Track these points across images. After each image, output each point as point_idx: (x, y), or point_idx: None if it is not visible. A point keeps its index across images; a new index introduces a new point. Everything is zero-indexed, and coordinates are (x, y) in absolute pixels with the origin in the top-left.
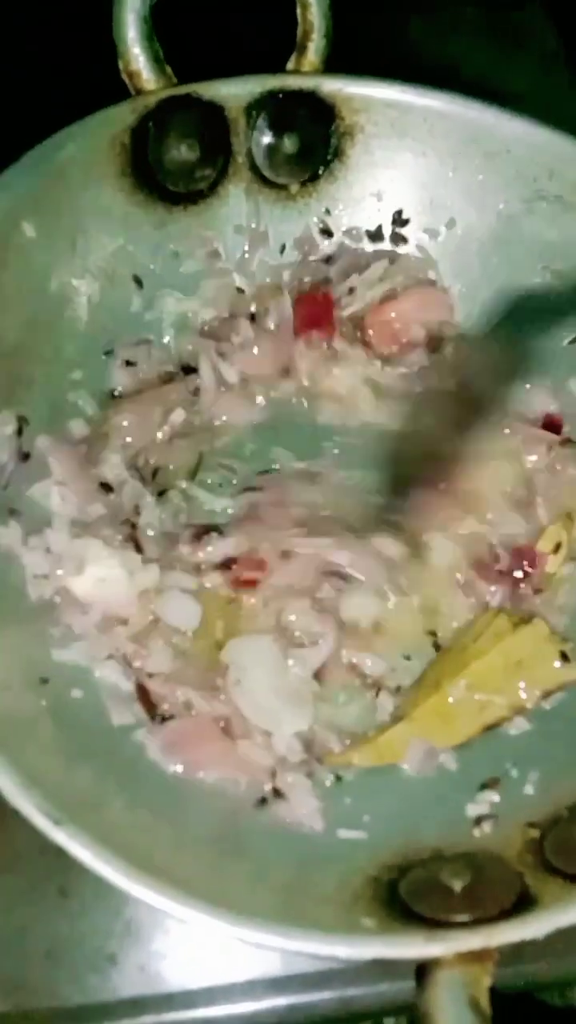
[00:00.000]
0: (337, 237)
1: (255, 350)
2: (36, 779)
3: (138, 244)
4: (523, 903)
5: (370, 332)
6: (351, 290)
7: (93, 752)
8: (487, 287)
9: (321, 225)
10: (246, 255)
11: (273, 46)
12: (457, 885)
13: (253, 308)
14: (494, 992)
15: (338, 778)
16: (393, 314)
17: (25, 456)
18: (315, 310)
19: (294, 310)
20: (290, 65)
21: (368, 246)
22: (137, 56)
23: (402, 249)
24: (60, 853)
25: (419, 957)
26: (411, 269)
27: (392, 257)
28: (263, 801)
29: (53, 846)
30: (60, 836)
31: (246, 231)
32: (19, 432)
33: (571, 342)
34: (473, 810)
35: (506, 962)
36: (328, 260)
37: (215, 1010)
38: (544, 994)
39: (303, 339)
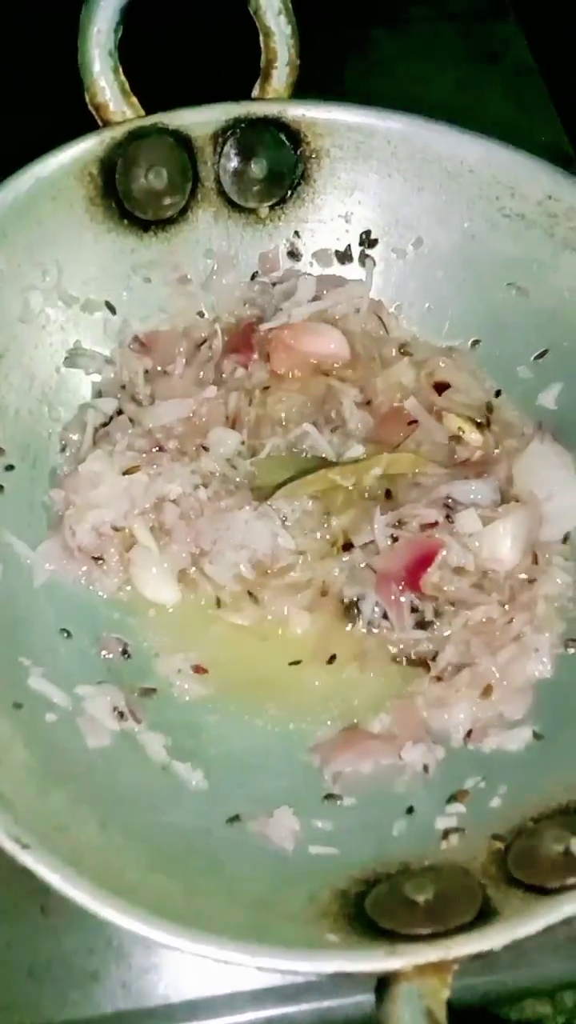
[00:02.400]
0: (305, 259)
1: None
2: (6, 803)
3: (109, 271)
4: (484, 915)
5: (271, 351)
6: (279, 310)
7: (67, 775)
8: (455, 303)
9: (290, 247)
10: (214, 278)
11: (238, 73)
12: (420, 899)
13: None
14: (452, 1007)
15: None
16: (292, 341)
17: None
18: (236, 339)
19: (224, 344)
20: (255, 92)
21: (338, 268)
22: (103, 89)
23: (354, 273)
24: None
25: (380, 970)
26: (351, 294)
27: (330, 280)
28: (236, 818)
29: None
30: (28, 859)
31: (216, 255)
32: None
33: (538, 356)
34: (442, 823)
35: (463, 975)
36: (275, 284)
37: None
38: (501, 1008)
39: (226, 369)
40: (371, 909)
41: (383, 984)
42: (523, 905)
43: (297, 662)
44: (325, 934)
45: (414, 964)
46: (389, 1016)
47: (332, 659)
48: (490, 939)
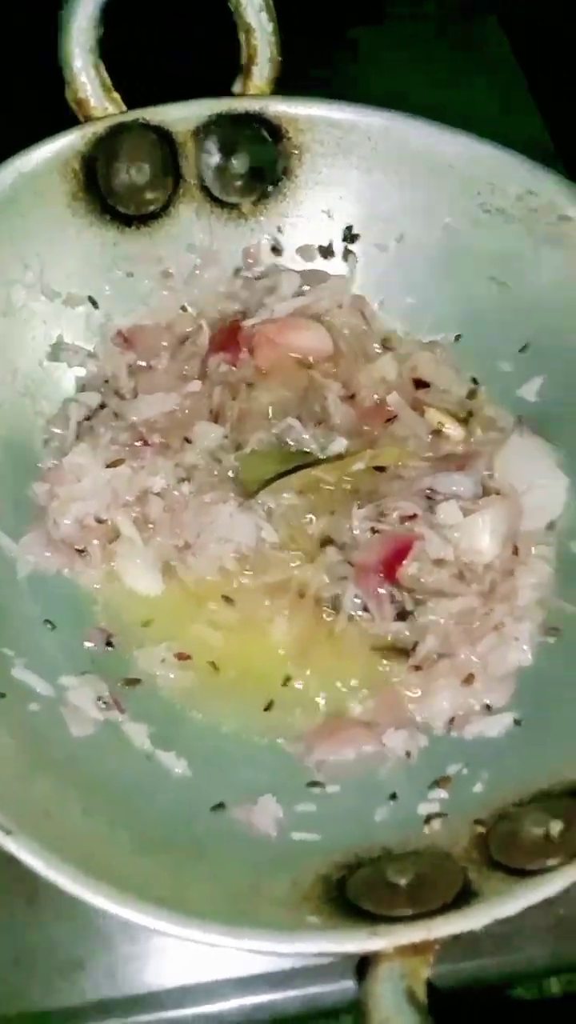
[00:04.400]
0: (288, 254)
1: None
2: None
3: (92, 265)
4: (464, 897)
5: (254, 346)
6: (262, 305)
7: (50, 763)
8: (437, 298)
9: (273, 242)
10: (196, 272)
11: (220, 70)
12: (402, 881)
13: (188, 328)
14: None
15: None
16: (275, 336)
17: None
18: (222, 336)
19: (210, 340)
20: (236, 88)
21: (321, 263)
22: (84, 84)
23: (333, 269)
24: None
25: (361, 951)
26: (334, 289)
27: (313, 276)
28: (220, 806)
29: None
30: (11, 845)
31: (198, 250)
32: None
33: (520, 350)
34: (424, 808)
35: (447, 961)
36: (258, 279)
37: (182, 1011)
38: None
39: (211, 364)
40: (353, 892)
41: (365, 965)
42: (504, 886)
43: (279, 653)
44: (307, 916)
45: (395, 945)
46: (370, 995)
47: (313, 650)
48: (471, 919)
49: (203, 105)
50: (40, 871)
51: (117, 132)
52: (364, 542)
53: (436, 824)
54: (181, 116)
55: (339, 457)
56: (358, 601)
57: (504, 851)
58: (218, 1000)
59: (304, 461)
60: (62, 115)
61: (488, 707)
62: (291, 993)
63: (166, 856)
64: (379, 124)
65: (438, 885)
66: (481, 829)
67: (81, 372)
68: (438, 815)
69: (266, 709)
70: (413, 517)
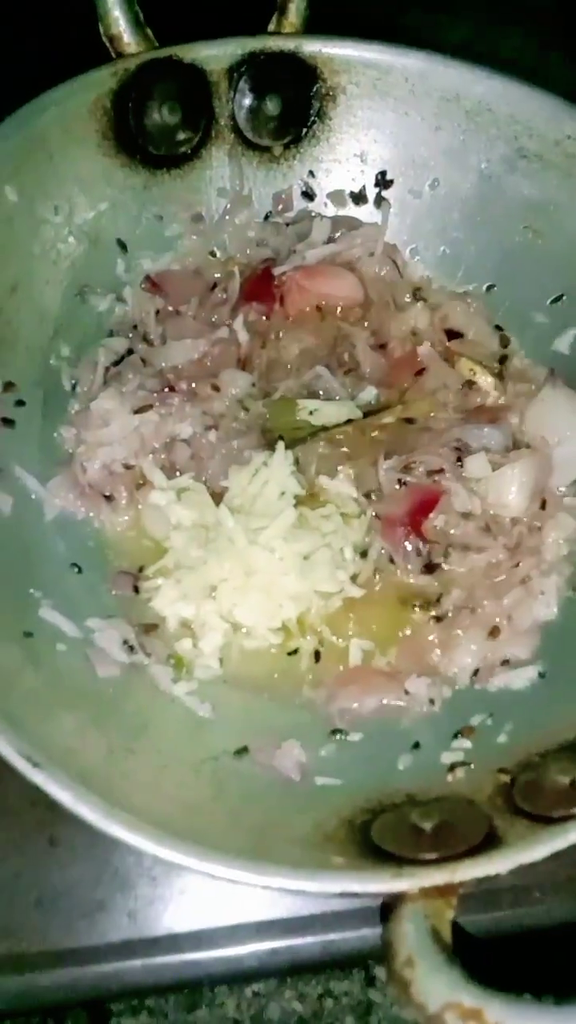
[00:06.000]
0: (319, 199)
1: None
2: (17, 725)
3: (121, 208)
4: (489, 842)
5: (284, 293)
6: (293, 251)
7: (76, 702)
8: (471, 247)
9: (304, 187)
10: (227, 218)
11: (254, 7)
12: (427, 826)
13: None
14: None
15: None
16: (306, 283)
17: (8, 422)
18: (256, 285)
19: (241, 287)
20: (271, 27)
21: (352, 209)
22: (117, 19)
23: (365, 215)
24: (50, 805)
25: (386, 891)
26: (366, 236)
27: (344, 222)
28: (244, 749)
29: (43, 798)
30: (38, 777)
31: (229, 194)
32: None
33: (553, 301)
34: (448, 757)
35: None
36: (288, 225)
37: (200, 954)
38: None
39: (242, 312)
40: (377, 835)
41: (388, 907)
42: (528, 833)
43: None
44: (332, 857)
45: (420, 886)
46: (395, 935)
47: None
48: (496, 864)
49: (237, 43)
50: (66, 803)
51: (149, 69)
52: (391, 494)
53: (460, 772)
54: (214, 54)
55: (369, 413)
56: (384, 553)
57: (528, 799)
58: (235, 944)
59: (336, 421)
60: (95, 54)
61: (513, 660)
62: (308, 939)
63: (188, 795)
64: (417, 65)
65: (463, 830)
66: (505, 778)
67: (109, 317)
68: (462, 764)
69: (290, 654)
70: (440, 471)
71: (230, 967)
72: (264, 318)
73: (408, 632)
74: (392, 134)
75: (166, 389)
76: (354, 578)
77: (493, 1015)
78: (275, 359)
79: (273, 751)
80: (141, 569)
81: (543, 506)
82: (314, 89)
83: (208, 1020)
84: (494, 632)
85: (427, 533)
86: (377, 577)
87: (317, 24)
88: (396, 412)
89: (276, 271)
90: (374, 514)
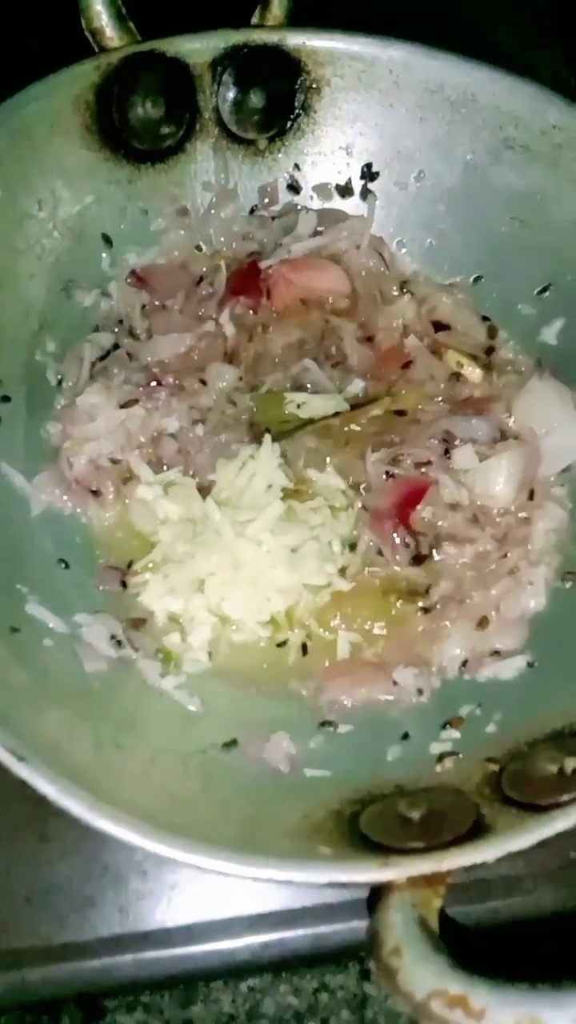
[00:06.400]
0: (305, 192)
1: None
2: (4, 719)
3: (106, 202)
4: (477, 831)
5: (271, 287)
6: (279, 245)
7: (63, 697)
8: (457, 238)
9: (290, 181)
10: (212, 211)
11: (237, 0)
12: (415, 815)
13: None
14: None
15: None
16: (292, 276)
17: None
18: (242, 278)
19: (227, 280)
20: (254, 20)
21: (339, 202)
22: (99, 13)
23: (351, 208)
24: (40, 801)
25: (373, 881)
26: (352, 229)
27: (330, 215)
28: (232, 742)
29: (33, 794)
30: (24, 771)
31: (214, 187)
32: None
33: (540, 292)
34: (436, 748)
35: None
36: (274, 218)
37: (191, 948)
38: None
39: (228, 306)
40: (365, 825)
41: (376, 897)
42: (516, 821)
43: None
44: (319, 847)
45: (407, 875)
46: (382, 924)
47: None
48: (483, 852)
49: (220, 36)
50: (52, 796)
51: (131, 63)
52: (378, 487)
53: (448, 763)
54: (197, 47)
55: (356, 406)
56: (373, 546)
57: (516, 788)
58: (227, 938)
59: (323, 415)
60: (77, 48)
61: (502, 650)
62: (299, 932)
63: (176, 788)
64: (401, 57)
65: (451, 819)
66: (494, 767)
67: (94, 312)
68: (451, 754)
69: (279, 646)
70: (428, 463)
71: (222, 961)
72: (251, 312)
73: (396, 624)
74: (377, 126)
75: (152, 383)
76: (343, 571)
77: (479, 1001)
78: (262, 352)
79: (262, 744)
80: (129, 564)
81: (531, 496)
82: (298, 82)
83: (203, 1016)
84: (483, 623)
85: (415, 525)
86: (366, 570)
87: (300, 16)
88: (384, 404)
89: (262, 264)
90: (362, 506)
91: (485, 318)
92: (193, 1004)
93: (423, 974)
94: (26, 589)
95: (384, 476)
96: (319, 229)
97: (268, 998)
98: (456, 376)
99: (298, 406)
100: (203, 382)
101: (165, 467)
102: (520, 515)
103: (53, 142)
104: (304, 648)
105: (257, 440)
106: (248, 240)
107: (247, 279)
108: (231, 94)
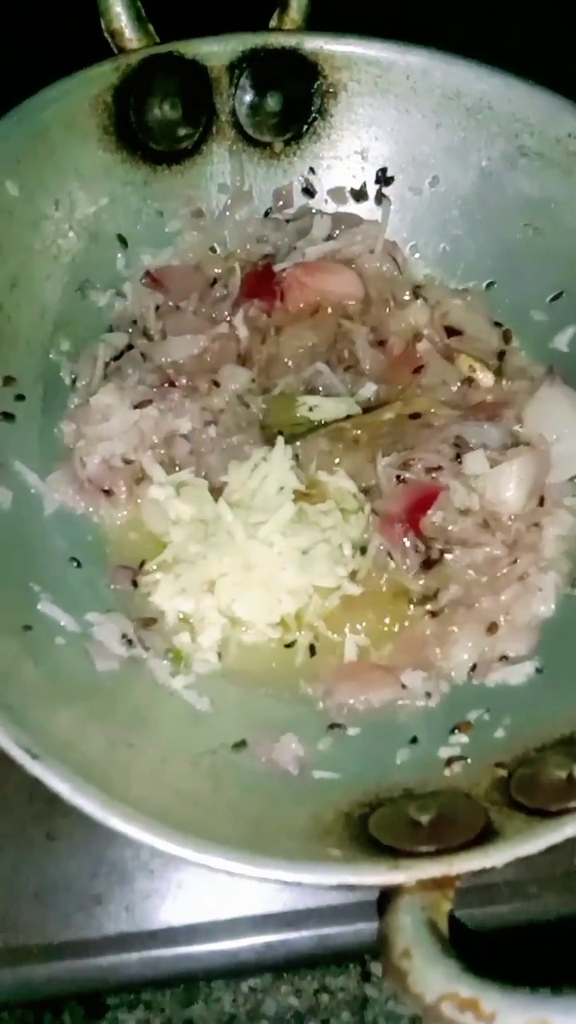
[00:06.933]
0: (320, 196)
1: (170, 342)
2: (17, 717)
3: (122, 203)
4: (486, 835)
5: (284, 289)
6: (293, 248)
7: (75, 695)
8: (471, 244)
9: (305, 184)
10: (227, 213)
11: (256, 4)
12: (424, 819)
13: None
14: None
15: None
16: (306, 279)
17: (8, 417)
18: (256, 281)
19: (241, 283)
20: (272, 23)
21: (353, 206)
22: (119, 15)
23: (365, 212)
24: (48, 799)
25: (383, 884)
26: (366, 233)
27: (345, 219)
28: (242, 743)
29: (41, 792)
30: (37, 769)
31: (230, 190)
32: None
33: (553, 299)
34: (445, 752)
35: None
36: (289, 221)
37: (196, 947)
38: None
39: (242, 308)
40: (374, 828)
41: (385, 900)
42: (525, 826)
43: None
44: (329, 849)
45: (417, 879)
46: (391, 927)
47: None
48: (492, 857)
49: (238, 40)
50: (64, 794)
51: (150, 65)
52: (389, 491)
53: (457, 767)
54: (215, 50)
55: (368, 409)
56: (383, 550)
57: (525, 793)
58: (232, 938)
59: (334, 418)
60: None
61: (511, 656)
62: (304, 933)
63: (186, 788)
64: (419, 63)
65: (460, 824)
66: (502, 772)
67: (109, 312)
68: (459, 758)
69: (287, 646)
70: (439, 468)
71: (227, 961)
72: (264, 314)
73: (405, 627)
74: (393, 131)
75: (166, 384)
76: (353, 575)
77: (489, 1005)
78: (275, 355)
79: (271, 745)
80: (140, 564)
81: (541, 503)
82: (315, 86)
83: (204, 1015)
84: (492, 628)
85: (425, 530)
86: (375, 574)
87: (318, 20)
88: (395, 408)
89: (276, 267)
90: (372, 510)
91: (497, 324)
92: (194, 1003)
93: (434, 977)
94: (39, 587)
95: (395, 480)
96: (333, 233)
97: (269, 998)
98: (468, 381)
99: (310, 409)
100: (216, 384)
101: (177, 468)
102: (530, 521)
103: (70, 143)
104: (312, 649)
105: (269, 442)
106: (262, 243)
107: (261, 281)
108: (248, 97)
